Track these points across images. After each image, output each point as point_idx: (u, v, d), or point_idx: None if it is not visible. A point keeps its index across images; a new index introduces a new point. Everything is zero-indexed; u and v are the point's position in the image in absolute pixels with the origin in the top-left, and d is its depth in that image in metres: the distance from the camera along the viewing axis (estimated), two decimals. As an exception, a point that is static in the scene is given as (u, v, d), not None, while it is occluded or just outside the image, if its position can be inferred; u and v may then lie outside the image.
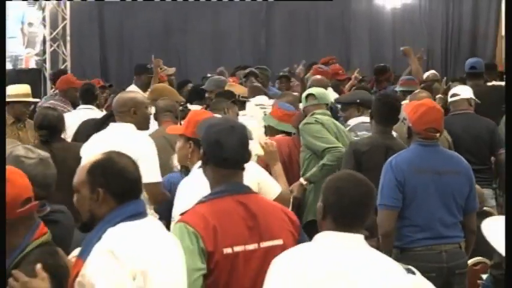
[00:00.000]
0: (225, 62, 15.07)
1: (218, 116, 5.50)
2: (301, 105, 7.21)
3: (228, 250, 3.55)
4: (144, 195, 5.48)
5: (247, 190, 3.79)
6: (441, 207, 5.39)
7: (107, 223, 3.36)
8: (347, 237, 3.37)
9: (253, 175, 4.02)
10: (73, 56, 14.41)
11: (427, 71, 13.43)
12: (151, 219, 3.57)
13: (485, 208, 6.31)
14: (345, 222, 3.38)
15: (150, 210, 5.59)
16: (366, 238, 4.72)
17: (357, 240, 3.39)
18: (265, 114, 7.67)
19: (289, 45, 15.96)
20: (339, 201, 3.40)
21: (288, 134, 7.01)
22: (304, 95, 7.16)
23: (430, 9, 15.97)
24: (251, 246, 3.62)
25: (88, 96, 8.84)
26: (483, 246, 5.43)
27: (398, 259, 5.09)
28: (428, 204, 5.36)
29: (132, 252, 3.30)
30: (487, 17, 15.62)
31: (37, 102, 9.10)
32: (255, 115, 7.95)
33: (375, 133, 6.28)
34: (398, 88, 9.88)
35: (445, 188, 5.40)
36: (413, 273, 4.69)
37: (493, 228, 2.69)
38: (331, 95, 8.37)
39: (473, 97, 7.87)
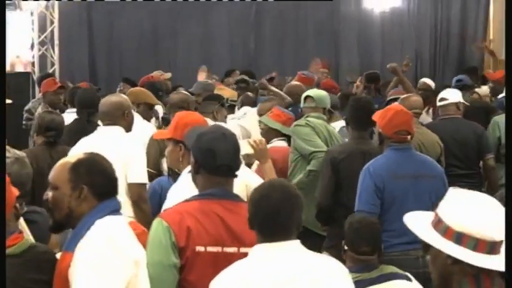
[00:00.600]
0: (214, 66, 15.08)
1: (209, 120, 5.51)
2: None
3: (200, 248, 3.57)
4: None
5: (235, 198, 3.81)
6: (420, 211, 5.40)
7: (93, 216, 3.44)
8: (276, 247, 3.36)
9: (241, 177, 4.02)
10: (61, 60, 14.38)
11: (416, 74, 13.51)
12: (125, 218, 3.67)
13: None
14: (269, 231, 3.38)
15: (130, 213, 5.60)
16: (370, 254, 4.74)
17: (289, 248, 3.37)
18: (239, 126, 7.70)
19: (279, 49, 15.97)
20: (257, 212, 3.41)
21: (289, 138, 7.01)
22: (303, 96, 7.20)
23: (419, 13, 15.99)
24: (230, 249, 3.64)
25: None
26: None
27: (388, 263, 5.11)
28: (406, 209, 5.32)
29: (128, 240, 3.44)
30: (475, 21, 15.66)
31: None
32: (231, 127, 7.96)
33: (351, 139, 6.29)
34: (388, 98, 9.90)
35: (422, 192, 5.44)
36: (410, 279, 4.72)
37: (413, 218, 2.88)
38: None
39: (462, 100, 7.88)
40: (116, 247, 3.35)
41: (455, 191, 2.79)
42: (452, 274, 2.70)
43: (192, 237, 3.58)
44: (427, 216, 2.82)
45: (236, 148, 3.78)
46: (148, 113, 7.91)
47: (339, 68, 15.66)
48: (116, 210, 3.54)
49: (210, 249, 3.59)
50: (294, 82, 9.43)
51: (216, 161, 3.68)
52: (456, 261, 2.66)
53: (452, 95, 7.92)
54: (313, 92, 7.21)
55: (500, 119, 8.05)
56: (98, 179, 3.50)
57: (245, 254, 3.51)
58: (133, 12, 15.66)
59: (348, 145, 6.28)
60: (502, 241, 2.67)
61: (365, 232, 4.89)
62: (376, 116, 5.65)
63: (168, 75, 11.84)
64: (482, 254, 2.64)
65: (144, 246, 4.08)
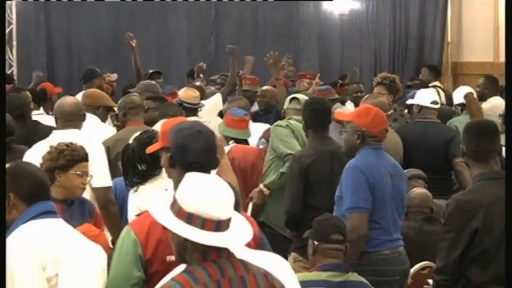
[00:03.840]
0: (173, 67, 15.04)
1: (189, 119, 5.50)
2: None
3: (171, 258, 3.51)
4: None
5: None
6: (395, 210, 5.50)
7: (19, 221, 3.52)
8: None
9: None
10: (19, 61, 14.26)
11: (376, 75, 13.53)
12: (62, 221, 3.70)
13: (434, 214, 6.36)
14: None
15: None
16: (340, 242, 4.76)
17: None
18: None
19: (238, 51, 15.93)
20: None
21: (240, 141, 7.02)
22: (289, 97, 7.34)
23: (378, 16, 16.07)
24: None
25: (40, 101, 8.74)
26: (430, 251, 5.55)
27: (365, 263, 5.17)
28: (389, 207, 5.45)
29: (43, 242, 3.49)
30: (433, 24, 15.77)
31: None
32: None
33: (315, 141, 6.31)
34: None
35: (396, 191, 5.50)
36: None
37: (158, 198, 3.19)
38: None
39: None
40: (25, 252, 3.41)
41: (191, 174, 3.12)
42: (186, 249, 3.04)
43: (162, 247, 3.54)
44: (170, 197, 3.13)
45: (210, 146, 3.75)
46: (106, 116, 7.87)
47: (298, 70, 15.66)
48: (46, 212, 3.58)
49: None
50: (266, 87, 9.61)
51: (187, 157, 3.67)
52: (187, 238, 3.01)
53: (429, 99, 7.82)
54: (300, 95, 7.35)
55: (458, 122, 8.03)
56: (24, 184, 3.56)
57: None
58: (92, 13, 15.53)
59: (314, 148, 6.30)
60: (229, 219, 3.04)
61: (334, 221, 4.91)
62: (353, 115, 5.59)
63: (114, 76, 11.75)
64: (210, 231, 2.99)
65: (103, 247, 4.09)
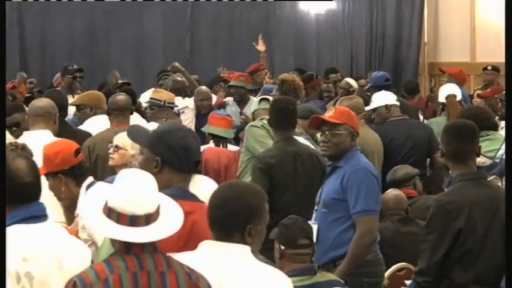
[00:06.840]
0: (148, 67, 14.96)
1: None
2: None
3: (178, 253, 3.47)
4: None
5: (193, 198, 3.78)
6: None
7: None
8: (217, 246, 3.36)
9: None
10: (-8, 61, 14.10)
11: (352, 76, 13.53)
12: (52, 223, 3.61)
13: (409, 215, 6.32)
14: (211, 228, 3.40)
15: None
16: (307, 246, 4.68)
17: (231, 249, 3.34)
18: None
19: (214, 50, 15.90)
20: (208, 208, 3.46)
21: (219, 138, 7.00)
22: (258, 98, 7.29)
23: (354, 16, 16.06)
24: None
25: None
26: (406, 252, 5.53)
27: (363, 265, 5.15)
28: None
29: (15, 254, 3.37)
30: (409, 24, 15.77)
31: None
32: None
33: (279, 141, 6.25)
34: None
35: None
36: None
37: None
38: None
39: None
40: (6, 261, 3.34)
41: (125, 172, 3.21)
42: (113, 240, 3.13)
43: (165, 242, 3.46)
44: None
45: (200, 144, 3.93)
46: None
47: (274, 70, 15.62)
48: (31, 217, 3.47)
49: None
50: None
51: (190, 157, 3.74)
52: None
53: (393, 97, 7.98)
54: (270, 96, 7.41)
55: (434, 123, 8.06)
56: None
57: None
58: (66, 12, 15.43)
59: (277, 148, 6.22)
60: (146, 215, 3.10)
61: (301, 225, 4.84)
62: (345, 117, 5.43)
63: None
64: (124, 226, 3.08)
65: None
